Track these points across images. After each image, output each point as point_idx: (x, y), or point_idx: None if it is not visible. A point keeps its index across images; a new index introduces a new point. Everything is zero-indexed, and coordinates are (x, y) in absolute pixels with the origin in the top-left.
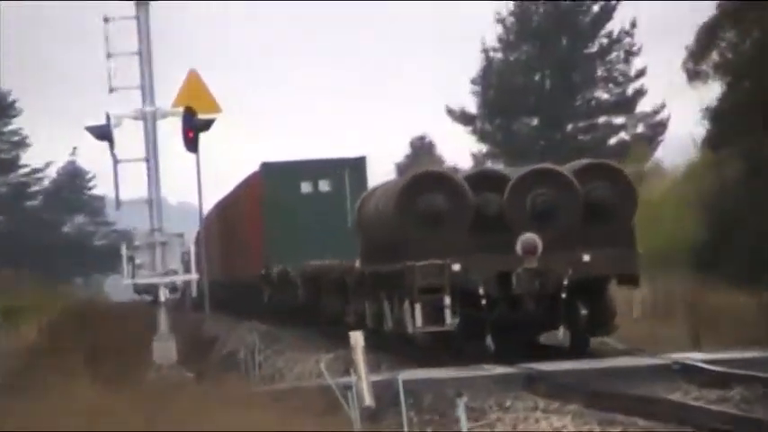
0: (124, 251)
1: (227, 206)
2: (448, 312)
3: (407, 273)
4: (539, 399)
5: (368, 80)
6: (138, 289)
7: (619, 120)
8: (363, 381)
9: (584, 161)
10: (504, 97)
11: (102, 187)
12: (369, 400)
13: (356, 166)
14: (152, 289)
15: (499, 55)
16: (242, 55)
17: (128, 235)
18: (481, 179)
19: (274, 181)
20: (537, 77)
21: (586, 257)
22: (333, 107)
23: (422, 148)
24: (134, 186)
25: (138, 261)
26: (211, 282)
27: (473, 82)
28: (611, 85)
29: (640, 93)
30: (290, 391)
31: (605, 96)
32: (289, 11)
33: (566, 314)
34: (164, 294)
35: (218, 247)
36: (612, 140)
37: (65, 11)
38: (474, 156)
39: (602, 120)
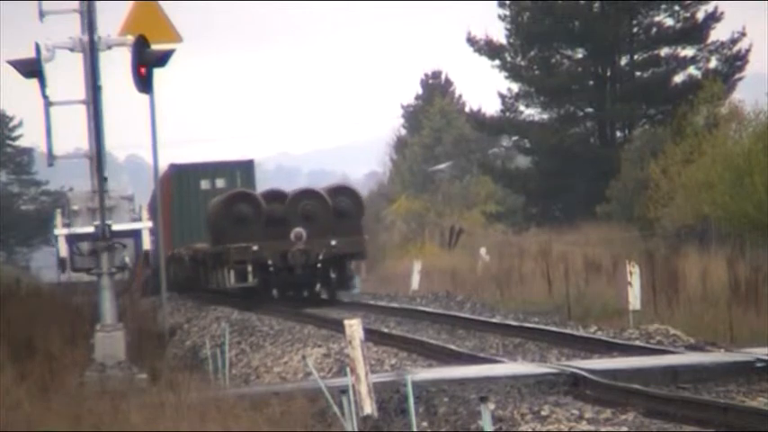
0: (58, 218)
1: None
2: (250, 276)
3: (226, 252)
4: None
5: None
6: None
7: (686, 51)
8: (363, 382)
9: (333, 184)
10: (541, 22)
11: (29, 137)
12: (369, 408)
13: (246, 168)
14: (94, 266)
15: None
16: None
17: (63, 198)
18: (271, 195)
19: (179, 179)
20: None
21: (333, 242)
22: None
23: (436, 88)
24: (71, 137)
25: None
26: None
27: (501, 3)
28: (676, 8)
29: (714, 17)
30: (270, 395)
31: (669, 22)
32: None
33: (321, 277)
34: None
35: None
36: (678, 77)
37: None
38: (503, 97)
39: (665, 51)
